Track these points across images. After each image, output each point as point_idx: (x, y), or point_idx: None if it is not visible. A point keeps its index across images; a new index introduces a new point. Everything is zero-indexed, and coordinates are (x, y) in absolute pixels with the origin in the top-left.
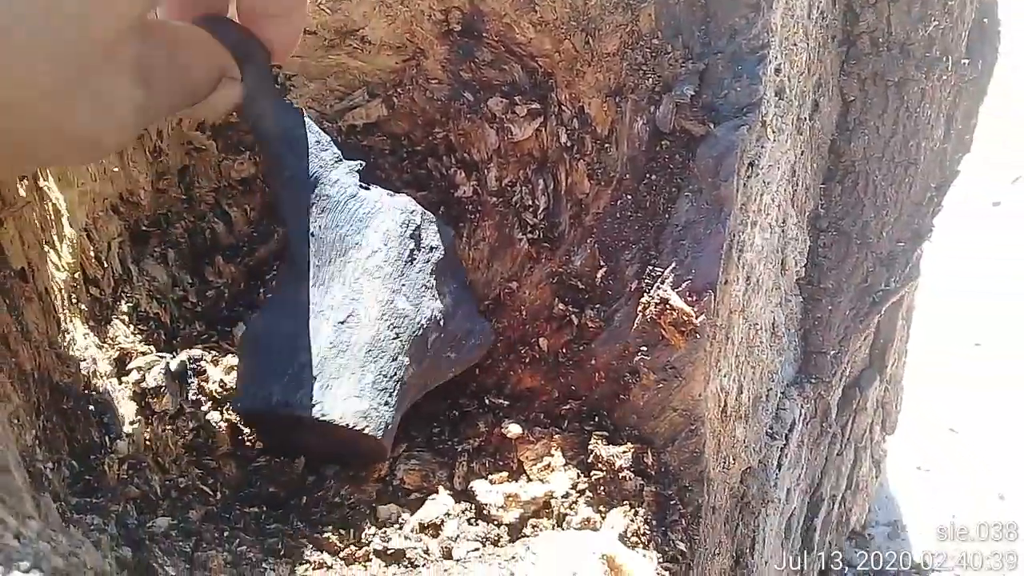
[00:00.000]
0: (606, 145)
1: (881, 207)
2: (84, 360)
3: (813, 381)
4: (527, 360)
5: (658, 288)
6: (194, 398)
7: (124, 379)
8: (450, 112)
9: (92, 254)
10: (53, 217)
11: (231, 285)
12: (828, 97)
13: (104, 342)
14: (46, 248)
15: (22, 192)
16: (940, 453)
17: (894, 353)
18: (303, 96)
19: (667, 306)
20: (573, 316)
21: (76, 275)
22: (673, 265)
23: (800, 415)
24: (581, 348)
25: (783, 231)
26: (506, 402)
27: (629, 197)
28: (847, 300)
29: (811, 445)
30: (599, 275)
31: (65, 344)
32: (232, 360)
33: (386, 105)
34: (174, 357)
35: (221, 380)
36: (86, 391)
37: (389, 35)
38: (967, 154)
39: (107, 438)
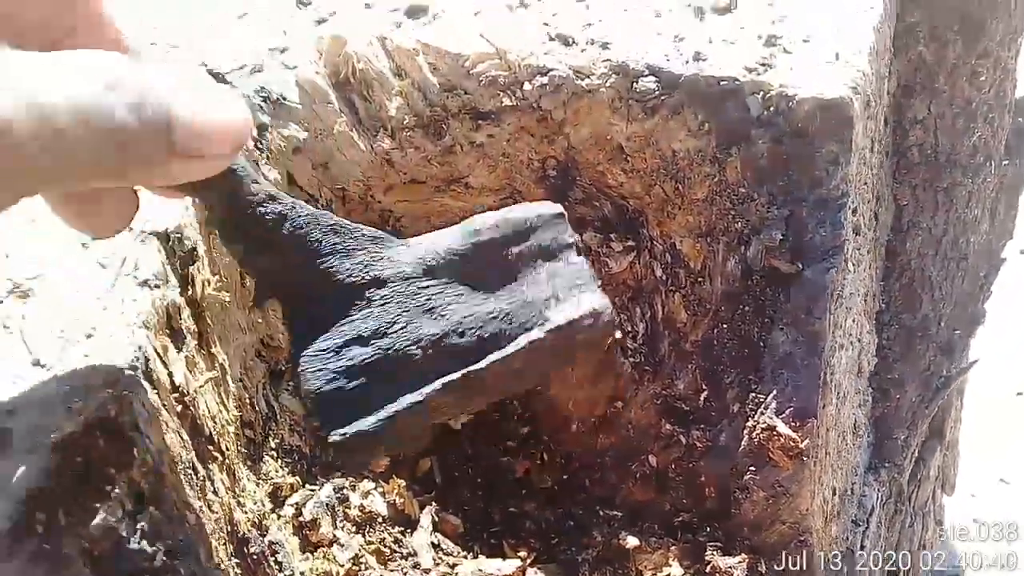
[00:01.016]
0: (700, 279)
1: (937, 300)
2: (256, 503)
3: (887, 465)
4: (638, 475)
5: (762, 414)
6: (342, 525)
7: (281, 513)
8: None
9: (247, 400)
10: (221, 376)
11: None
12: (884, 206)
13: (259, 478)
14: (220, 408)
15: (202, 364)
16: (994, 504)
17: (951, 421)
18: (408, 234)
19: (774, 433)
20: (680, 436)
21: (238, 423)
22: (774, 392)
23: (878, 498)
24: (690, 465)
25: (860, 341)
26: (619, 513)
27: (725, 326)
28: (913, 388)
29: (887, 524)
30: (702, 398)
31: (240, 491)
32: (367, 484)
33: None
34: (322, 487)
35: (361, 505)
36: (260, 534)
37: (490, 181)
38: (1010, 240)
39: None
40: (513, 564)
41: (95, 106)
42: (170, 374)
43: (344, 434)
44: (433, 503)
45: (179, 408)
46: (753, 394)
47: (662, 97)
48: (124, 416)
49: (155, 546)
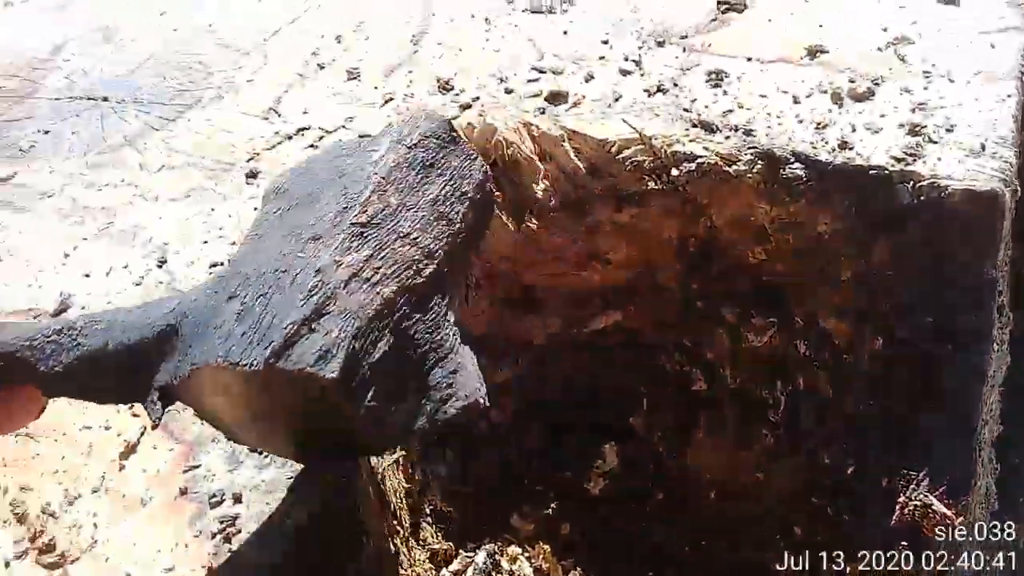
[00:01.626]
0: (845, 357)
1: None
2: (425, 571)
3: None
4: (782, 545)
5: (915, 490)
6: None
7: None
8: (683, 317)
9: (408, 470)
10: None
11: (490, 478)
12: None
13: (419, 543)
14: (399, 482)
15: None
16: None
17: None
18: (551, 309)
19: (929, 510)
20: (828, 508)
21: (404, 494)
22: (927, 469)
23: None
24: (838, 537)
25: (993, 410)
26: None
27: (872, 403)
28: None
29: None
30: (849, 471)
31: (413, 562)
32: (514, 549)
33: (622, 311)
34: (476, 553)
35: (510, 570)
36: None
37: (629, 257)
38: None
39: None
40: None
41: None
42: None
43: (271, 346)
44: (577, 568)
45: (373, 488)
46: (904, 470)
47: (809, 183)
48: (346, 501)
49: None
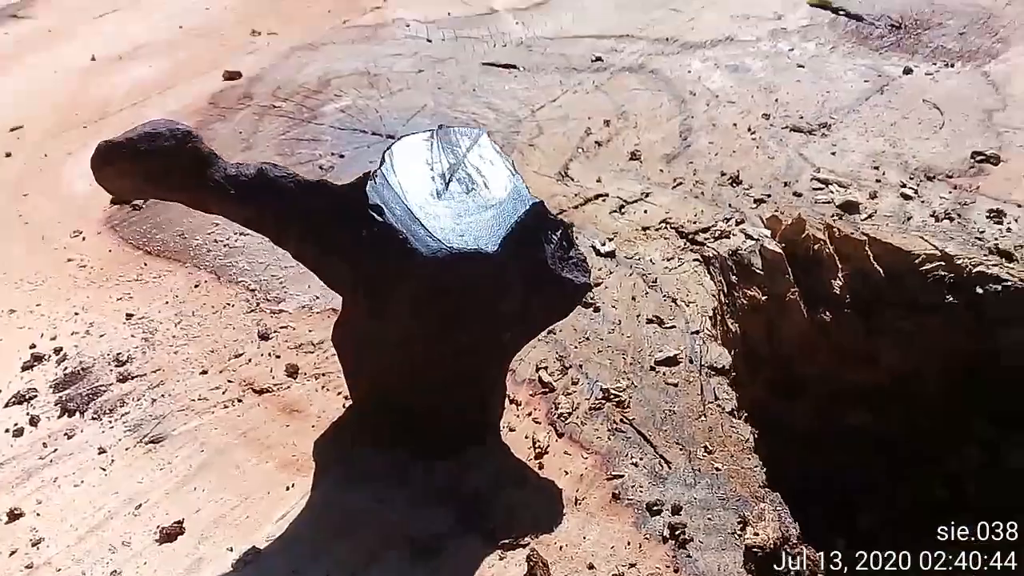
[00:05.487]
0: None
1: None
2: None
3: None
4: None
5: None
6: None
7: None
8: (936, 428)
9: None
10: None
11: None
12: None
13: None
14: None
15: None
16: None
17: None
18: (810, 399)
19: None
20: None
21: None
22: None
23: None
24: None
25: None
26: None
27: None
28: None
29: None
30: None
31: None
32: None
33: (874, 413)
34: None
35: None
36: None
37: (899, 362)
38: None
39: None
40: None
41: None
42: None
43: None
44: None
45: None
46: None
47: None
48: None
49: None
